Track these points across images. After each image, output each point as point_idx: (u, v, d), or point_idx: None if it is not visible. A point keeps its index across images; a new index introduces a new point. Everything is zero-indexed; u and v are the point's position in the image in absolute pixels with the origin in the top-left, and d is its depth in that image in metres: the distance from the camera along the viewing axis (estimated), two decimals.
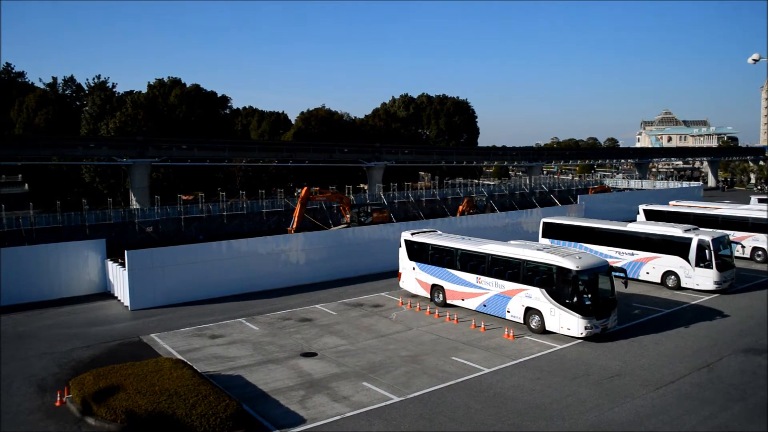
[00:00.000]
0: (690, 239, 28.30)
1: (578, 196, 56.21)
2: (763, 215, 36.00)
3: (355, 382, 17.39)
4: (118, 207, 55.81)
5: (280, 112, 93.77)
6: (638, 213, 40.94)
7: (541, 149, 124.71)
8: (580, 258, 21.68)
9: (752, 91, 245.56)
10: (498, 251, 23.94)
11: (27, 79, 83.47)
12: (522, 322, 22.51)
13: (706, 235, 28.27)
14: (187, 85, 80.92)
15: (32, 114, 70.14)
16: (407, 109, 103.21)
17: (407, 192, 66.99)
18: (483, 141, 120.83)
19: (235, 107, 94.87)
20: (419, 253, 27.18)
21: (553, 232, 33.79)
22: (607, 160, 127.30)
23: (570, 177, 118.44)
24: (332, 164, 72.09)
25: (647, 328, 22.49)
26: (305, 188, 49.88)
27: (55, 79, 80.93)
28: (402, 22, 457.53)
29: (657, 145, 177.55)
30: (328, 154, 70.32)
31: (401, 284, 28.09)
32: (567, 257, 21.57)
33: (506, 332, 21.86)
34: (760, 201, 50.01)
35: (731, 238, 29.99)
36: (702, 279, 27.81)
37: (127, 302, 26.10)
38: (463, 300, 24.95)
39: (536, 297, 21.94)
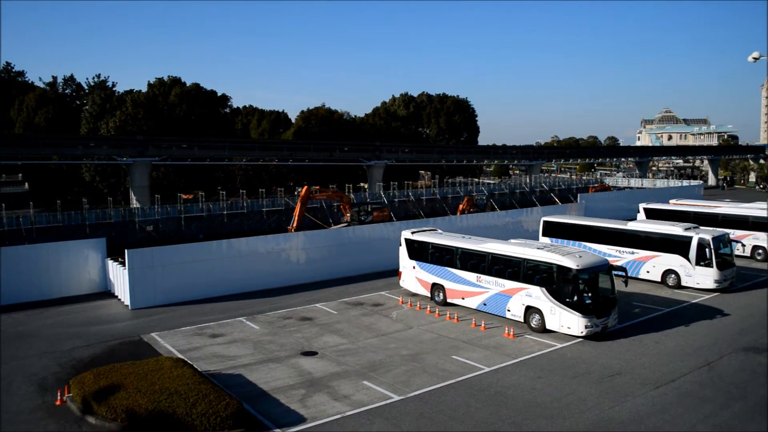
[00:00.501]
0: (690, 238, 28.29)
1: (578, 195, 56.23)
2: (763, 214, 35.99)
3: (355, 380, 17.39)
4: (119, 206, 55.79)
5: (280, 111, 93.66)
6: (638, 212, 40.95)
7: (542, 148, 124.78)
8: (580, 257, 21.67)
9: (752, 89, 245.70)
10: (498, 250, 23.93)
11: (27, 78, 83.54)
12: (522, 320, 22.51)
13: (707, 233, 28.26)
14: (187, 84, 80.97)
15: (32, 113, 70.13)
16: (407, 108, 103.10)
17: (407, 191, 66.96)
18: (483, 140, 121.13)
19: (235, 106, 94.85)
20: (419, 252, 27.17)
21: (553, 230, 33.79)
22: (608, 159, 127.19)
23: (567, 176, 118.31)
24: (332, 163, 72.07)
25: (647, 327, 22.49)
26: (305, 187, 49.85)
27: (55, 78, 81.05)
28: (402, 22, 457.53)
29: (657, 144, 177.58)
30: (329, 153, 70.32)
31: (401, 283, 28.09)
32: (567, 256, 21.56)
33: (506, 331, 21.86)
34: None
35: (731, 236, 30.00)
36: (702, 278, 27.81)
37: (127, 301, 26.10)
38: (463, 299, 24.95)
39: (536, 296, 21.93)
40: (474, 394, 16.35)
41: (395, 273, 29.12)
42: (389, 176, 77.84)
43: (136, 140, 58.62)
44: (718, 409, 15.39)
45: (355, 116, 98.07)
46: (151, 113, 71.16)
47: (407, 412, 15.23)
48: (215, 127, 76.84)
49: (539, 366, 18.53)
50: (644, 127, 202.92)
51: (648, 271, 29.70)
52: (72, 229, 43.22)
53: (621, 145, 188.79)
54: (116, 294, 27.82)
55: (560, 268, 21.31)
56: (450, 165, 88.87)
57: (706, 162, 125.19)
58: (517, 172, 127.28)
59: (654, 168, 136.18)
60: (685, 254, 28.26)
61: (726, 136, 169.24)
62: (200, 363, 18.65)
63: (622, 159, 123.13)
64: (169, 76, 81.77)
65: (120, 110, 69.36)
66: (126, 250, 26.15)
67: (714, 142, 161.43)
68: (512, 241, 25.29)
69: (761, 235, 35.31)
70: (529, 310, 22.24)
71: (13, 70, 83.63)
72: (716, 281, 27.56)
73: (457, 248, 25.52)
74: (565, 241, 31.69)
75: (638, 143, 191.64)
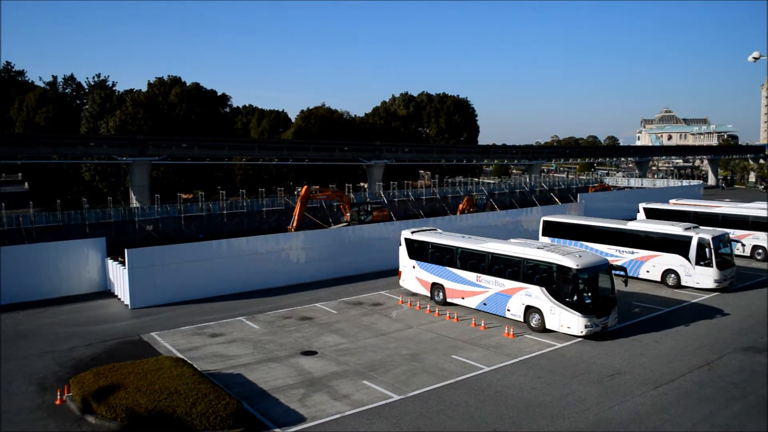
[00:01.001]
0: (690, 237, 28.29)
1: (578, 195, 56.23)
2: (763, 214, 36.01)
3: (355, 380, 17.40)
4: (118, 205, 55.84)
5: (280, 110, 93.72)
6: (638, 211, 40.95)
7: (542, 147, 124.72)
8: (580, 256, 21.67)
9: (752, 89, 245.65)
10: (498, 250, 23.93)
11: (27, 78, 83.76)
12: (522, 320, 22.52)
13: (707, 233, 28.26)
14: (187, 84, 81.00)
15: (32, 113, 70.20)
16: (407, 108, 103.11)
17: (407, 190, 66.91)
18: (483, 139, 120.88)
19: (235, 106, 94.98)
20: (419, 251, 27.17)
21: (553, 230, 33.80)
22: (608, 159, 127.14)
23: (566, 175, 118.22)
24: (332, 163, 72.05)
25: (647, 327, 22.49)
26: (305, 187, 49.84)
27: (55, 77, 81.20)
28: (402, 21, 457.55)
29: (657, 144, 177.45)
30: (328, 153, 70.29)
31: (401, 283, 28.10)
32: (567, 256, 21.57)
33: (506, 331, 21.86)
34: None
35: (731, 236, 30.01)
36: (702, 277, 27.81)
37: (127, 301, 26.11)
38: (463, 298, 24.96)
39: (536, 295, 21.94)
40: (474, 394, 16.35)
41: (395, 273, 29.12)
42: (389, 176, 77.82)
43: (136, 140, 58.61)
44: (718, 409, 15.40)
45: (355, 116, 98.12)
46: (151, 113, 71.16)
47: (407, 412, 15.24)
48: (215, 126, 76.86)
49: (539, 366, 18.54)
50: (644, 127, 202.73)
51: (648, 271, 29.70)
52: (72, 229, 43.22)
53: (621, 144, 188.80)
54: (116, 293, 27.83)
55: (560, 267, 21.31)
56: (450, 165, 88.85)
57: (705, 162, 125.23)
58: (517, 171, 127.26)
59: (654, 168, 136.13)
60: (685, 254, 28.27)
61: (726, 136, 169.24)
62: (200, 362, 18.66)
63: (622, 159, 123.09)
64: (169, 76, 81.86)
65: (120, 110, 69.39)
66: (126, 250, 26.16)
67: (714, 141, 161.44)
68: (512, 240, 25.31)
69: (761, 234, 35.32)
70: (529, 310, 22.24)
71: (13, 69, 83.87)
72: (716, 281, 27.57)
73: (457, 248, 25.52)
74: (565, 240, 31.70)
75: (638, 143, 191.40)
